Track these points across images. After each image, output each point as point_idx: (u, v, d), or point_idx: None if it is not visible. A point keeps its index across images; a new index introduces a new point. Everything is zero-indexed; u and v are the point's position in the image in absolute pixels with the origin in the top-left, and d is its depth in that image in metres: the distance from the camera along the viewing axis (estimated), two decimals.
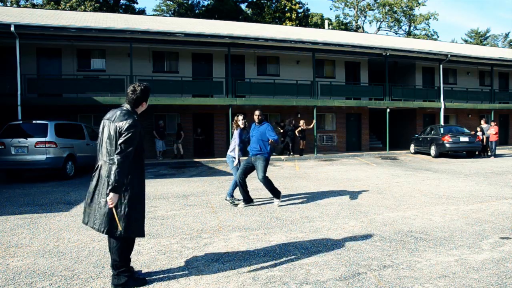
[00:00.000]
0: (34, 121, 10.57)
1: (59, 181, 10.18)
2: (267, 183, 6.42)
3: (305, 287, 3.07)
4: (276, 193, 6.50)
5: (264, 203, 6.59)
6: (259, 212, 5.89)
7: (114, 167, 2.88)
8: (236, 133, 6.78)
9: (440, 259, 3.66)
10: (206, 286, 3.12)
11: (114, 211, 2.95)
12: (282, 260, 3.71)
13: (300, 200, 6.84)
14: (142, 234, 3.17)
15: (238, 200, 6.59)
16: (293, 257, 3.80)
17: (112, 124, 3.03)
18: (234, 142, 6.80)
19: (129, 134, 2.96)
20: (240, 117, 6.88)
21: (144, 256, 3.89)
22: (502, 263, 3.55)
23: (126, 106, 3.20)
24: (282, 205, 6.42)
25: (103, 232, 3.00)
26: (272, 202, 6.61)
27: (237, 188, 6.59)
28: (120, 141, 2.94)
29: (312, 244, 4.21)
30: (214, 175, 11.03)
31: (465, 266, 3.47)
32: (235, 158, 6.79)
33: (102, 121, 3.20)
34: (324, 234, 4.60)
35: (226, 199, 6.69)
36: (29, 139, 9.90)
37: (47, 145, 9.91)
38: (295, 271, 3.41)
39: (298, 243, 4.26)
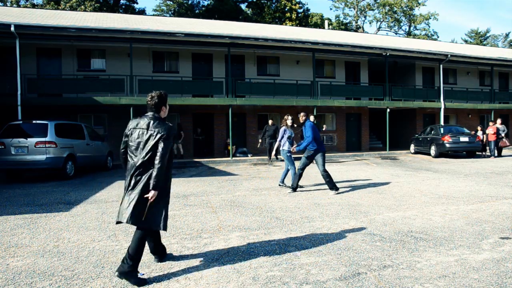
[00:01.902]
0: (34, 121, 10.55)
1: (59, 181, 10.17)
2: (327, 176, 7.40)
3: (305, 287, 3.07)
4: (332, 185, 7.43)
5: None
6: (259, 212, 5.89)
7: (154, 172, 3.24)
8: (281, 129, 8.16)
9: (440, 259, 3.66)
10: (206, 286, 3.12)
11: (147, 205, 3.28)
12: (282, 260, 3.71)
13: (300, 200, 6.84)
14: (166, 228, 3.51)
15: (287, 186, 7.99)
16: (293, 257, 3.80)
17: (148, 131, 3.34)
18: (283, 137, 8.09)
19: (167, 142, 3.31)
20: (290, 117, 8.32)
21: (144, 256, 3.87)
22: (502, 263, 3.55)
23: (152, 113, 3.50)
24: (338, 193, 7.39)
25: (137, 224, 3.27)
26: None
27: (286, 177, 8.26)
28: (159, 148, 3.28)
29: (312, 244, 4.21)
30: (214, 175, 11.03)
31: (465, 266, 3.48)
32: (287, 150, 8.05)
33: (131, 130, 3.44)
34: (324, 234, 4.60)
35: (279, 185, 8.27)
36: (29, 139, 9.89)
37: (47, 145, 9.90)
38: (295, 271, 3.41)
39: (298, 243, 4.26)
